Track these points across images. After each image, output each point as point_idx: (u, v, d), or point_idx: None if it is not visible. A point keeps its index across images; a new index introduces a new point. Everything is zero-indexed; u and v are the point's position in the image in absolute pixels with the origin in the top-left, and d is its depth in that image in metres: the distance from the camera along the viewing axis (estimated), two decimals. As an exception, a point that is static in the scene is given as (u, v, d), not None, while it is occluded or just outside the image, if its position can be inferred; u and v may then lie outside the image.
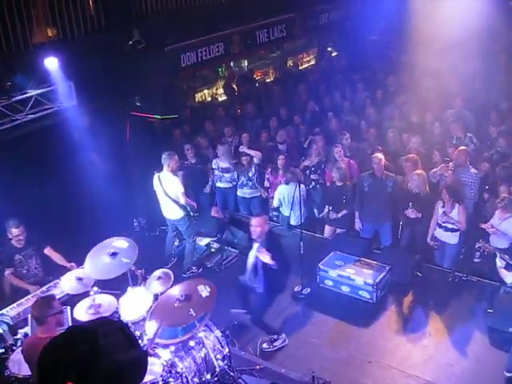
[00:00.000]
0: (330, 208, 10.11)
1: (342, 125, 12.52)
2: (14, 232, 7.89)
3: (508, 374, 6.98)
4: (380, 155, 9.72)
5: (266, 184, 11.04)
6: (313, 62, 18.19)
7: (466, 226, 8.89)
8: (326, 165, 10.75)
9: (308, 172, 10.75)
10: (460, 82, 13.59)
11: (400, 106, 13.11)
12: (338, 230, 10.27)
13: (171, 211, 9.60)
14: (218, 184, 11.03)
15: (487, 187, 9.57)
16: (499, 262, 6.87)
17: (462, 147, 9.94)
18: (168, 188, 9.38)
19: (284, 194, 10.32)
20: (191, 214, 9.61)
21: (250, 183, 10.96)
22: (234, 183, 11.15)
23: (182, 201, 9.42)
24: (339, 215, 9.91)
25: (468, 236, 9.26)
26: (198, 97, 15.22)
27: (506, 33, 14.98)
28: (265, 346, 7.85)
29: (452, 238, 9.07)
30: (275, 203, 10.56)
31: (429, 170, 9.98)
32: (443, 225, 9.02)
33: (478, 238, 9.18)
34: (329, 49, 18.88)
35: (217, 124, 12.73)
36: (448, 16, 13.99)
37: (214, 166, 10.85)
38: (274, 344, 7.85)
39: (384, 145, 11.01)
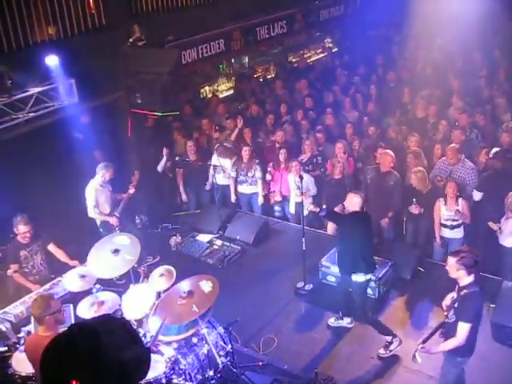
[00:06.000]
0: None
1: (341, 121, 12.49)
2: (22, 229, 7.85)
3: None
4: (391, 153, 9.68)
5: (268, 177, 10.97)
6: (314, 58, 18.14)
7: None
8: (324, 159, 10.79)
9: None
10: (461, 76, 13.56)
11: (401, 101, 13.08)
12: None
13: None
14: (218, 181, 10.93)
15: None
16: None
17: (452, 145, 9.89)
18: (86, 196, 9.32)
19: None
20: (100, 230, 9.40)
21: (250, 180, 10.95)
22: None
23: (90, 213, 9.29)
24: None
25: (469, 231, 9.26)
26: (200, 93, 15.21)
27: (505, 26, 15.00)
28: (381, 351, 7.55)
29: (458, 233, 9.12)
30: None
31: (431, 166, 9.96)
32: (448, 224, 9.02)
33: (478, 234, 9.20)
34: (329, 44, 18.84)
35: (216, 120, 12.66)
36: (449, 10, 13.97)
37: (213, 163, 10.76)
38: (390, 348, 7.53)
39: (385, 140, 10.98)
